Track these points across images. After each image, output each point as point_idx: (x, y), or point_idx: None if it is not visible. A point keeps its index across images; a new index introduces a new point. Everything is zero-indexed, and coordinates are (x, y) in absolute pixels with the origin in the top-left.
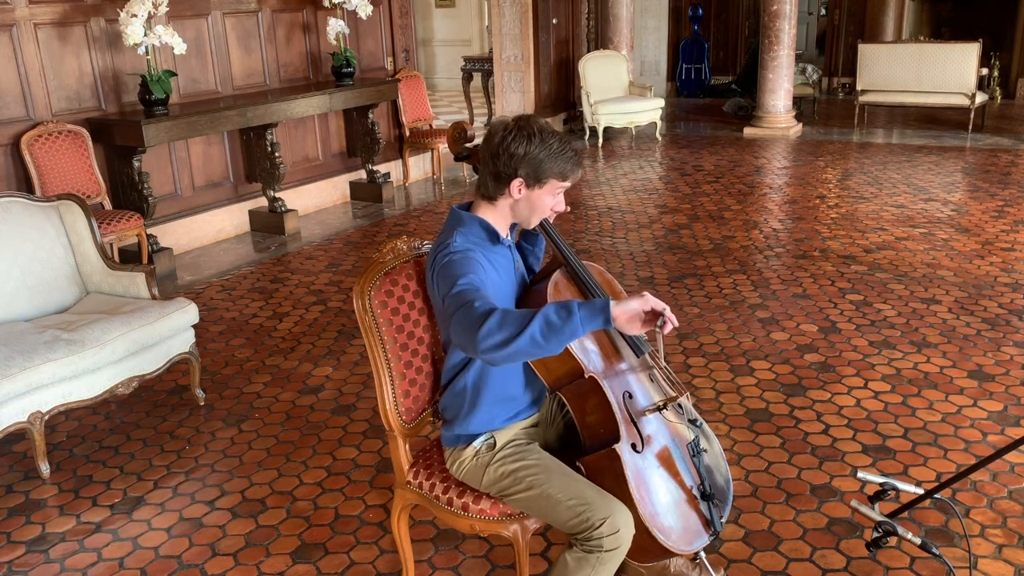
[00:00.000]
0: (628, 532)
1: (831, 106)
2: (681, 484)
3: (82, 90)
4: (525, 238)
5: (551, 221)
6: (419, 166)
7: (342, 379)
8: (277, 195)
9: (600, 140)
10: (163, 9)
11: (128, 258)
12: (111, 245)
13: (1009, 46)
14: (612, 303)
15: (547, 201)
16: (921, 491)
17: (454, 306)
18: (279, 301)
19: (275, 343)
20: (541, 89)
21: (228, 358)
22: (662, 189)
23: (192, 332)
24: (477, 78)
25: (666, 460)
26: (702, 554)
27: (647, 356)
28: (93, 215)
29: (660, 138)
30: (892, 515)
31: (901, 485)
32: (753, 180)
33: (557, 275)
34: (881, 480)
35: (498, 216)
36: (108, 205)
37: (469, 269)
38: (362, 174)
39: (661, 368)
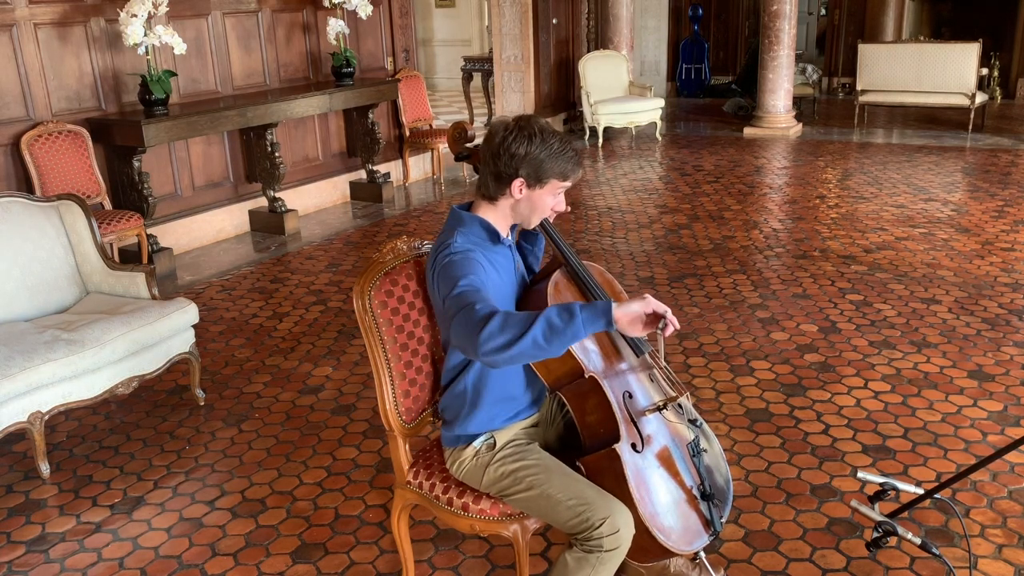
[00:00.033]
0: (628, 532)
1: (831, 106)
2: (681, 484)
3: (82, 90)
4: (525, 238)
5: (551, 221)
6: (419, 166)
7: (342, 379)
8: (277, 195)
9: (600, 140)
10: (163, 9)
11: (128, 258)
12: (111, 245)
13: (1009, 46)
14: (614, 305)
15: (548, 201)
16: (921, 491)
17: (455, 308)
18: (279, 301)
19: (275, 343)
20: (541, 89)
21: (228, 358)
22: (662, 189)
23: (192, 332)
24: (477, 78)
25: (666, 460)
26: (702, 554)
27: (647, 356)
28: (93, 215)
29: (660, 138)
30: (892, 515)
31: (901, 485)
32: (753, 180)
33: (557, 275)
34: (881, 480)
35: (499, 216)
36: (108, 205)
37: (470, 270)
38: (362, 174)
39: (661, 368)
